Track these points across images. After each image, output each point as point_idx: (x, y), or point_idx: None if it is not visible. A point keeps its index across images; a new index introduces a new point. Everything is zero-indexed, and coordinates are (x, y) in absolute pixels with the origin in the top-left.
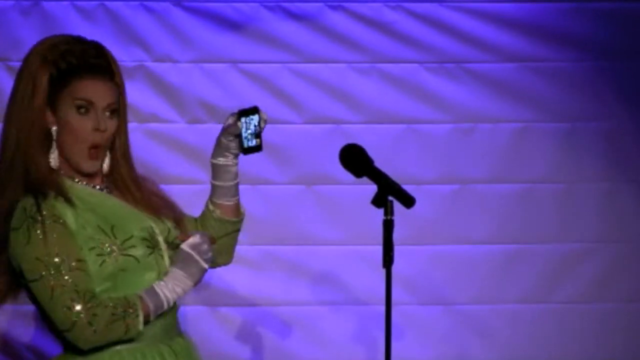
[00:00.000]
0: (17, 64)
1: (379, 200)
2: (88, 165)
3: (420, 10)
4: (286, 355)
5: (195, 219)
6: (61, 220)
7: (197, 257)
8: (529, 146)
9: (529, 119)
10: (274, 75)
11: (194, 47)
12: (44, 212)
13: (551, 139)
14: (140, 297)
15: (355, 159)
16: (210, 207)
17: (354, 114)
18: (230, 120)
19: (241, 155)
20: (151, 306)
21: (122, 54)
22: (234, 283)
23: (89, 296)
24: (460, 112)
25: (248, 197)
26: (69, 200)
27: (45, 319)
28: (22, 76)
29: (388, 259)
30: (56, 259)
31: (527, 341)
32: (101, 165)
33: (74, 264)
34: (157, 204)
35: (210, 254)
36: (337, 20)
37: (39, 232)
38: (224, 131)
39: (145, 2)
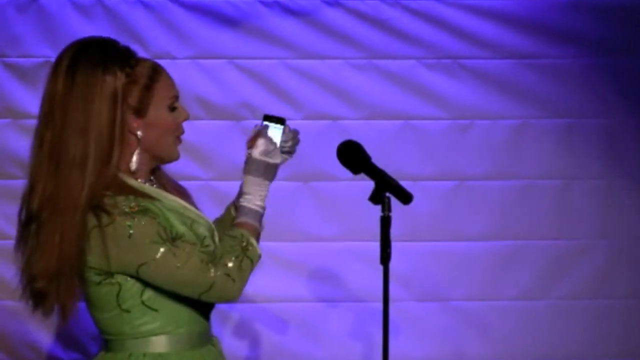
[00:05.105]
0: (14, 60)
1: (376, 197)
2: (178, 152)
3: (417, 6)
4: (283, 352)
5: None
6: (154, 213)
7: (268, 159)
8: (527, 143)
9: (527, 116)
10: (272, 72)
11: (191, 43)
12: (141, 205)
13: (549, 136)
14: (242, 224)
15: (352, 156)
16: (233, 212)
17: (351, 110)
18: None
19: (241, 150)
20: (255, 224)
21: None
22: None
23: (210, 252)
24: (457, 109)
25: None
26: (152, 198)
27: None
28: (79, 88)
29: (385, 256)
30: (167, 234)
31: (525, 337)
32: None
33: (180, 233)
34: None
35: (277, 150)
36: (334, 16)
37: (137, 219)
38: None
39: None
